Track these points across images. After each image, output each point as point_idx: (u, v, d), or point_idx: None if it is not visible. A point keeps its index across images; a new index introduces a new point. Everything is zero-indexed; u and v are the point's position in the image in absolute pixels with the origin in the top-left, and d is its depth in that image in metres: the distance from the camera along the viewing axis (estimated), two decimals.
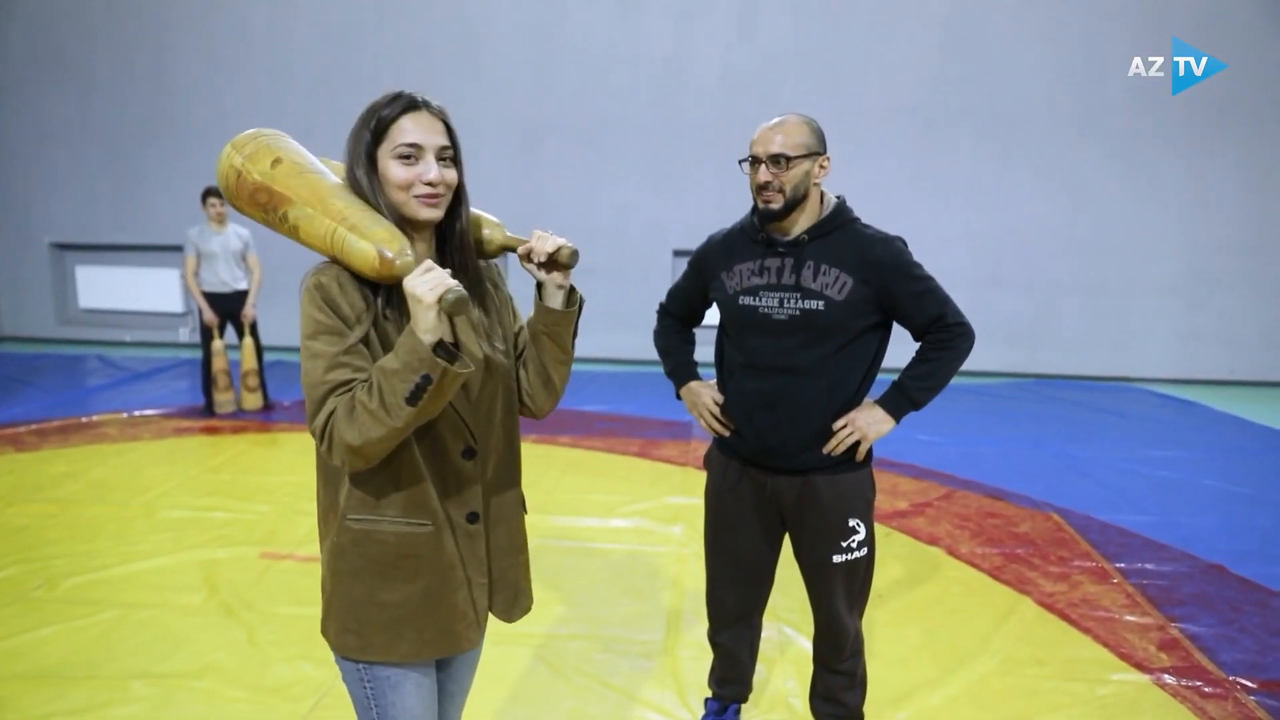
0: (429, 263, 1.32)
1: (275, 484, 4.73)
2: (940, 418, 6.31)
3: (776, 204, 2.04)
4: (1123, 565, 3.72)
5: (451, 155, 1.47)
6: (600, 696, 2.75)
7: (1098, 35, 7.64)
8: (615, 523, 4.24)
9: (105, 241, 9.55)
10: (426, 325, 1.29)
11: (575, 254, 1.52)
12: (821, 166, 2.06)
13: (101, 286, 9.73)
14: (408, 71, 8.57)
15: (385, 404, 1.30)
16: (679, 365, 2.36)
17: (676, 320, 2.42)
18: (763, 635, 3.02)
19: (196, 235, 6.17)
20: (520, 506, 1.69)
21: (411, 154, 1.42)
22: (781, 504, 2.17)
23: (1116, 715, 2.63)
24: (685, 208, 8.28)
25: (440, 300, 1.28)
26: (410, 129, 1.42)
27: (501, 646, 3.04)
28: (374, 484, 1.45)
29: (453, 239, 1.54)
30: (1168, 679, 2.82)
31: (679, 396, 2.34)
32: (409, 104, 1.44)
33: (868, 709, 2.55)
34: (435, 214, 1.45)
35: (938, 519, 4.26)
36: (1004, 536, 4.04)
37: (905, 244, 2.09)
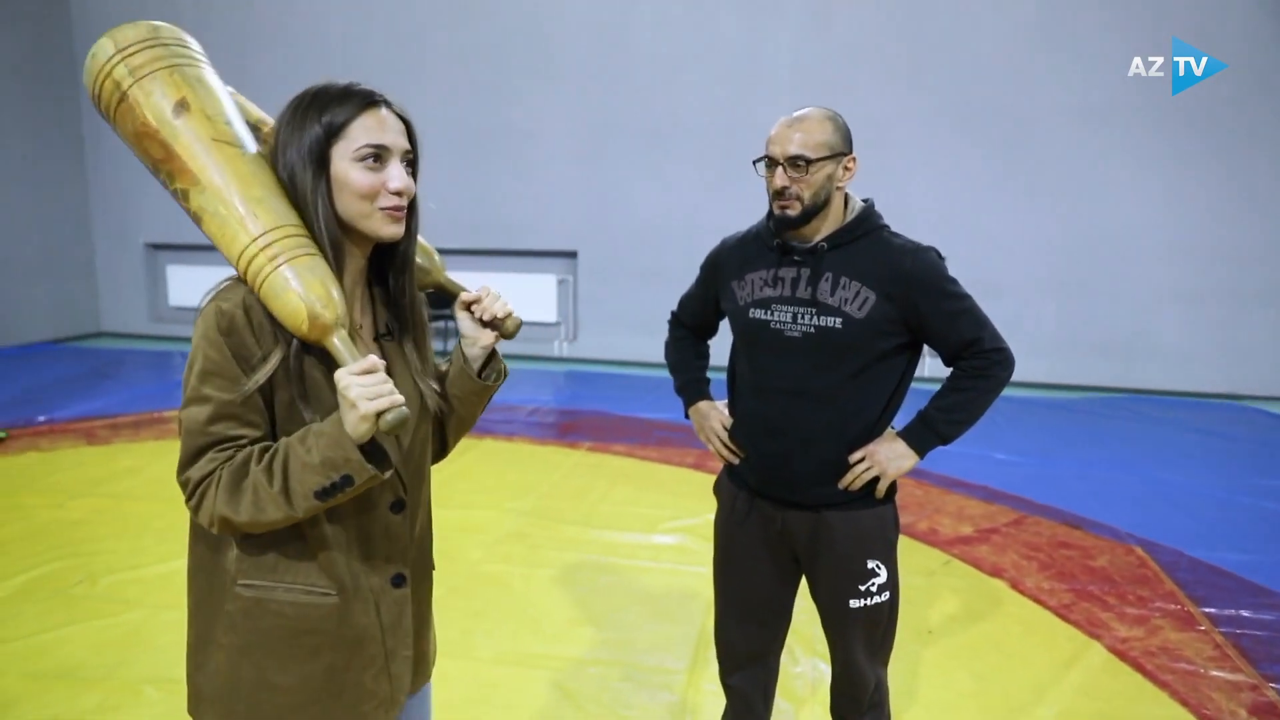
0: (372, 359, 1.12)
1: None
2: (1019, 435, 5.93)
3: (794, 211, 1.83)
4: (1213, 611, 3.34)
5: (412, 160, 1.29)
6: None
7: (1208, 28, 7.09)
8: (657, 539, 4.06)
9: (196, 242, 9.86)
10: (357, 432, 1.11)
11: (520, 326, 1.38)
12: (846, 168, 1.84)
13: (190, 285, 10.02)
14: (476, 72, 8.57)
15: (289, 492, 1.12)
16: (688, 382, 2.17)
17: (688, 331, 2.23)
18: (795, 670, 2.83)
19: None
20: (431, 565, 1.47)
21: (377, 156, 1.22)
22: (794, 541, 1.97)
23: None
24: (757, 208, 8.01)
25: (379, 418, 1.10)
26: (374, 127, 1.23)
27: (519, 668, 2.91)
28: (272, 543, 1.23)
29: (395, 260, 1.32)
30: None
31: (687, 416, 2.16)
32: (369, 99, 1.25)
33: None
34: (398, 230, 1.25)
35: (1004, 547, 3.94)
36: (1077, 570, 3.70)
37: (940, 255, 1.86)
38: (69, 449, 5.47)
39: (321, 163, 1.22)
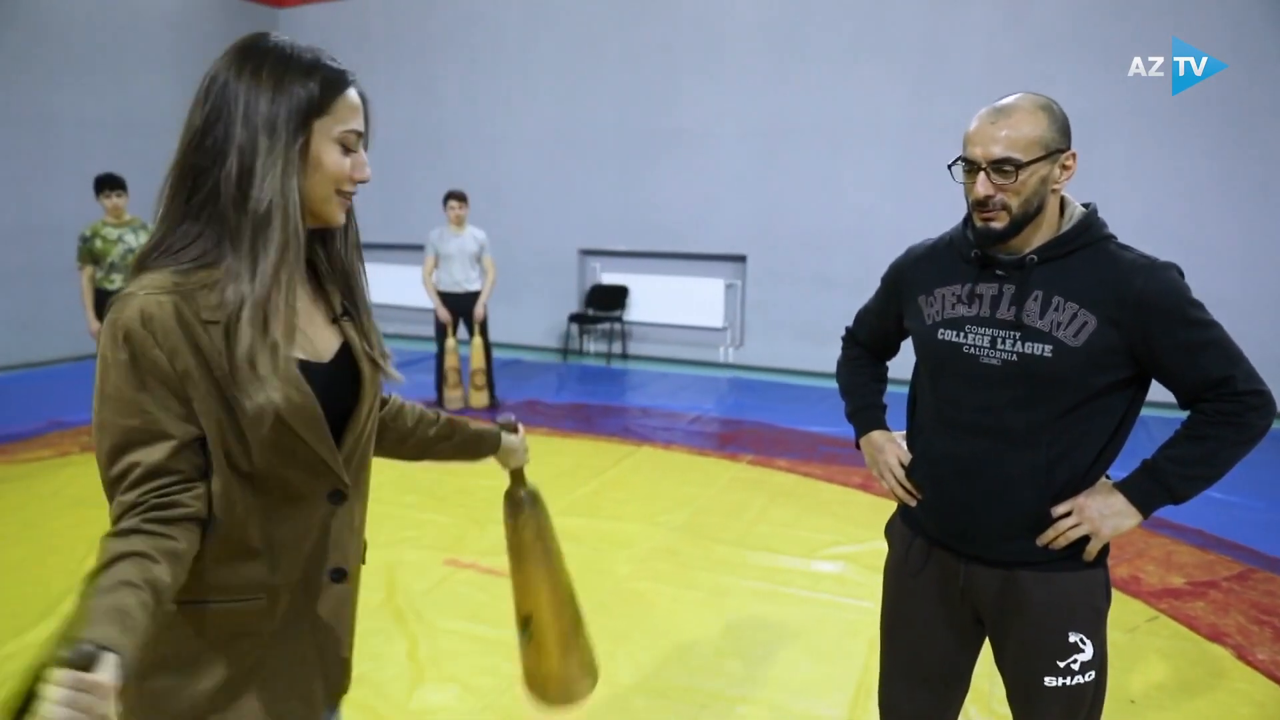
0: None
1: (475, 487, 4.68)
2: (1243, 473, 5.17)
3: (1000, 224, 1.53)
4: None
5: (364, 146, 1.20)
6: None
7: None
8: (817, 566, 3.79)
9: (373, 240, 10.34)
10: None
11: None
12: (1065, 167, 1.54)
13: (370, 281, 10.54)
14: (647, 72, 8.51)
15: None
16: (860, 408, 1.89)
17: (865, 350, 1.95)
18: None
19: (436, 237, 6.43)
20: (363, 560, 1.35)
21: (353, 142, 1.15)
22: (978, 601, 1.67)
23: None
24: (937, 213, 7.50)
25: None
26: (357, 109, 1.15)
27: (661, 699, 2.74)
28: (207, 557, 1.10)
29: (349, 238, 1.26)
30: None
31: (858, 446, 1.89)
32: (349, 78, 1.15)
33: None
34: (343, 218, 1.20)
35: (1226, 607, 3.40)
36: None
37: (1181, 274, 1.52)
38: None
39: (300, 132, 1.08)
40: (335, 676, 1.28)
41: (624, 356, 8.91)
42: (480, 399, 6.54)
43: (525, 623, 1.67)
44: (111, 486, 1.04)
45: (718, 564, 3.78)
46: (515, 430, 1.67)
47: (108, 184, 5.60)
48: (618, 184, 8.81)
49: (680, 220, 8.58)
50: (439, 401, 6.55)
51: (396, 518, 4.23)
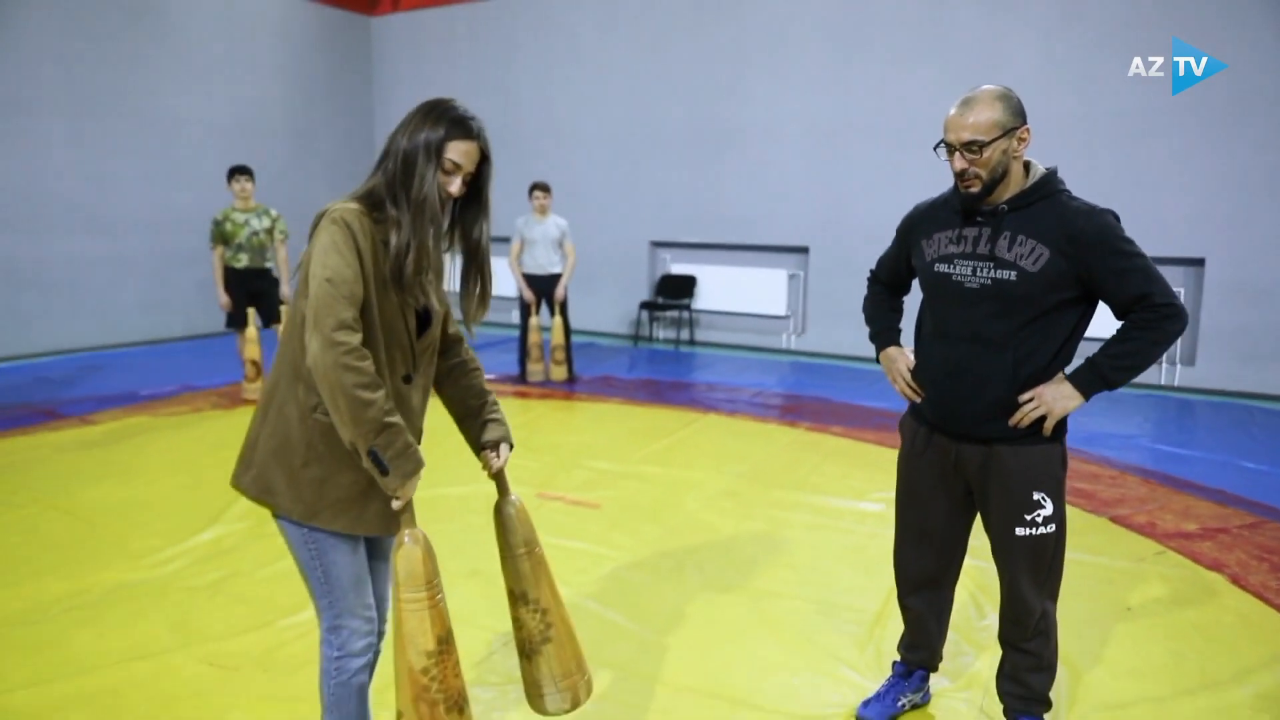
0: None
1: (564, 442, 5.32)
2: (1276, 446, 5.50)
3: (975, 188, 2.05)
4: None
5: (474, 177, 1.88)
6: (800, 650, 2.87)
7: None
8: (864, 505, 4.27)
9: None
10: (389, 485, 1.69)
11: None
12: (1020, 139, 2.03)
13: (451, 271, 11.22)
14: (715, 72, 9.01)
15: (349, 409, 1.63)
16: (880, 330, 2.43)
17: (885, 287, 2.49)
18: (981, 624, 2.98)
19: (523, 224, 7.06)
20: (420, 437, 1.92)
21: (450, 168, 1.79)
22: (967, 472, 2.18)
23: None
24: None
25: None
26: (462, 149, 1.81)
27: (722, 594, 3.27)
28: None
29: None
30: None
31: (878, 360, 2.42)
32: (467, 129, 1.82)
33: (1066, 709, 2.45)
34: None
35: (1231, 547, 3.78)
36: None
37: (1116, 217, 2.01)
38: None
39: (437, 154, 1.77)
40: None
41: (691, 343, 9.45)
42: (560, 373, 7.15)
43: (543, 613, 1.98)
44: (326, 309, 1.63)
45: (775, 503, 4.30)
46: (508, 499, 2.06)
47: (239, 171, 6.35)
48: (687, 179, 9.34)
49: (746, 213, 9.08)
50: (522, 375, 7.18)
51: None
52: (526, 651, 2.01)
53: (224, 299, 6.32)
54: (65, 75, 8.23)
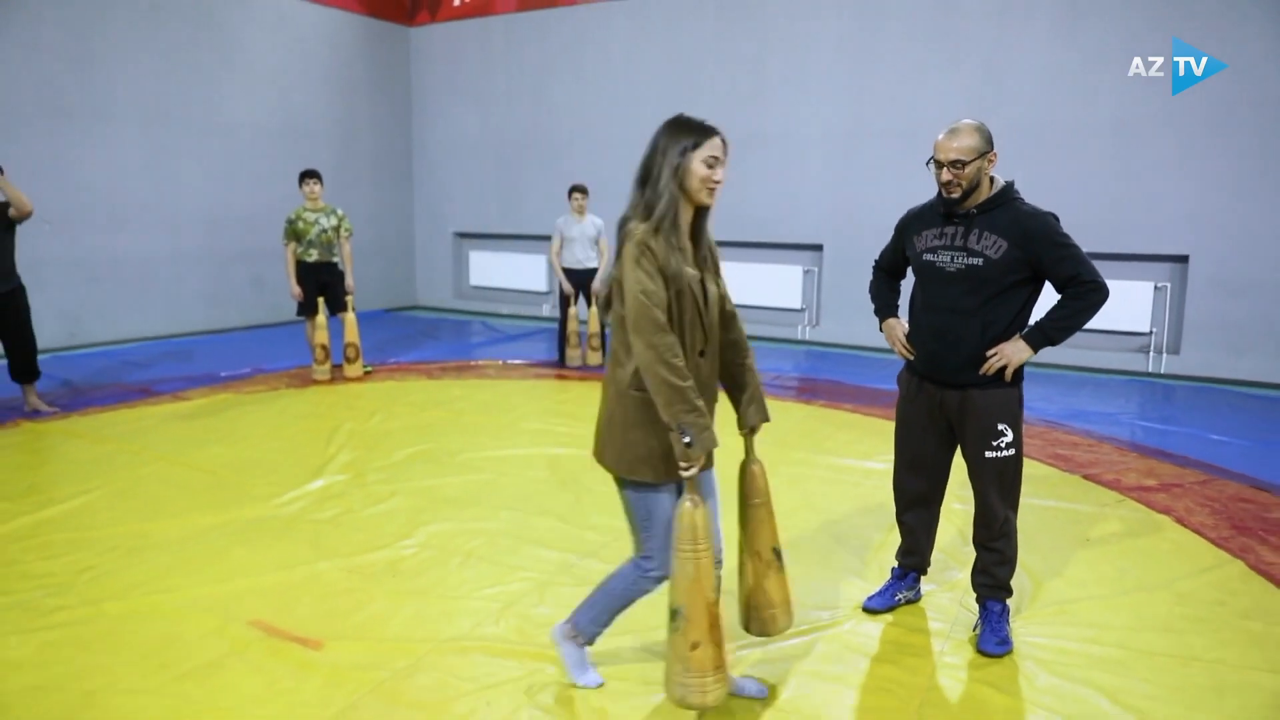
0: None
1: None
2: (1244, 423, 6.14)
3: (956, 194, 2.74)
4: None
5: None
6: (820, 566, 3.57)
7: None
8: (870, 464, 4.96)
9: (492, 231, 11.80)
10: (685, 453, 2.18)
11: None
12: (990, 160, 2.72)
13: (487, 268, 11.90)
14: (739, 81, 9.69)
15: (666, 394, 2.17)
16: (882, 306, 3.13)
17: (885, 272, 3.18)
18: (964, 549, 3.67)
19: (563, 223, 7.76)
20: (715, 396, 2.45)
21: (713, 161, 2.28)
22: (948, 411, 2.87)
23: (1273, 650, 2.94)
24: None
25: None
26: (718, 145, 2.30)
27: None
28: None
29: (705, 217, 2.42)
30: None
31: (881, 329, 3.12)
32: (712, 132, 2.31)
33: (1027, 605, 3.14)
34: (711, 201, 2.33)
35: (1181, 497, 4.45)
36: (1247, 518, 4.16)
37: (1056, 218, 2.70)
38: (414, 380, 7.22)
39: (681, 158, 2.28)
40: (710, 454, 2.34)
41: None
42: (595, 358, 7.85)
43: (777, 553, 2.51)
44: (646, 316, 2.17)
45: (795, 462, 4.99)
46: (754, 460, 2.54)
47: (309, 175, 7.08)
48: None
49: (765, 213, 9.75)
50: (560, 360, 7.89)
51: (550, 431, 5.57)
52: (750, 583, 2.52)
53: (296, 290, 7.05)
54: (139, 85, 8.99)
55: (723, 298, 2.47)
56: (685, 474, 2.22)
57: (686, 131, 2.28)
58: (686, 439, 2.17)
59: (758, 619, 2.56)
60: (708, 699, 2.27)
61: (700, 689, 2.26)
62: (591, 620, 2.60)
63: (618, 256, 2.30)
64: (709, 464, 2.34)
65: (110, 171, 8.84)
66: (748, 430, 2.55)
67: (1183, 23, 7.59)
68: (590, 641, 2.65)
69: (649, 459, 2.31)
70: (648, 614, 2.79)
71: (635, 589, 2.50)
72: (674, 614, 2.28)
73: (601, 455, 2.43)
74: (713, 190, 2.31)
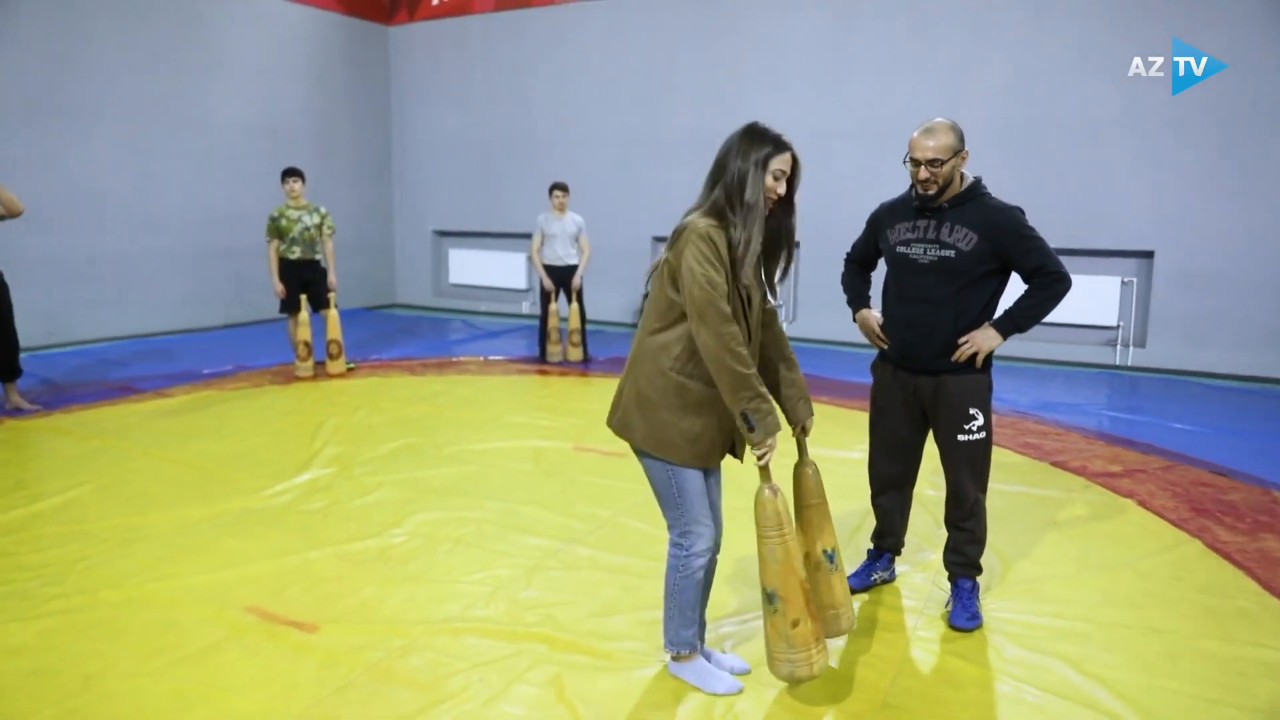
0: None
1: (588, 409, 6.12)
2: (1206, 412, 6.34)
3: (932, 190, 2.86)
4: None
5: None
6: None
7: None
8: (846, 454, 5.08)
9: (471, 229, 11.85)
10: (752, 439, 2.31)
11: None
12: (962, 158, 2.85)
13: (467, 266, 11.93)
14: (715, 82, 9.81)
15: (731, 382, 2.25)
16: (855, 297, 3.25)
17: (857, 264, 3.29)
18: (937, 532, 3.80)
19: (543, 220, 7.84)
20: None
21: (778, 174, 2.34)
22: (921, 397, 3.00)
23: (1226, 620, 3.09)
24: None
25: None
26: (786, 159, 2.36)
27: (736, 512, 4.07)
28: (695, 360, 2.35)
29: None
30: None
31: (854, 319, 3.23)
32: (783, 145, 2.37)
33: (997, 584, 3.28)
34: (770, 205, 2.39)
35: (1145, 481, 4.62)
36: (1207, 501, 4.33)
37: (1023, 213, 2.83)
38: (397, 376, 7.28)
39: (761, 167, 2.35)
40: (729, 446, 2.51)
41: None
42: (576, 354, 7.94)
43: (830, 555, 2.59)
44: (711, 307, 2.23)
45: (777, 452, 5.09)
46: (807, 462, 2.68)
47: (291, 173, 7.12)
48: (687, 179, 10.00)
49: None
50: (542, 355, 7.97)
51: (533, 425, 5.66)
52: (811, 583, 2.55)
53: (279, 287, 7.08)
54: (120, 83, 8.96)
55: (764, 297, 2.53)
56: (760, 463, 2.34)
57: (764, 140, 2.34)
58: (750, 425, 2.26)
59: (821, 619, 2.56)
60: (815, 669, 2.42)
61: (807, 662, 2.40)
62: (678, 627, 2.60)
63: (673, 242, 2.36)
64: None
65: (91, 169, 8.80)
66: (799, 430, 2.67)
67: (1148, 26, 7.80)
68: (696, 649, 2.66)
69: (677, 442, 2.39)
70: (638, 596, 2.88)
71: (689, 573, 2.53)
72: (770, 597, 2.40)
73: (626, 429, 2.47)
74: (771, 201, 2.38)
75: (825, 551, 2.61)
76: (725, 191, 2.34)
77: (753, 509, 2.43)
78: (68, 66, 8.52)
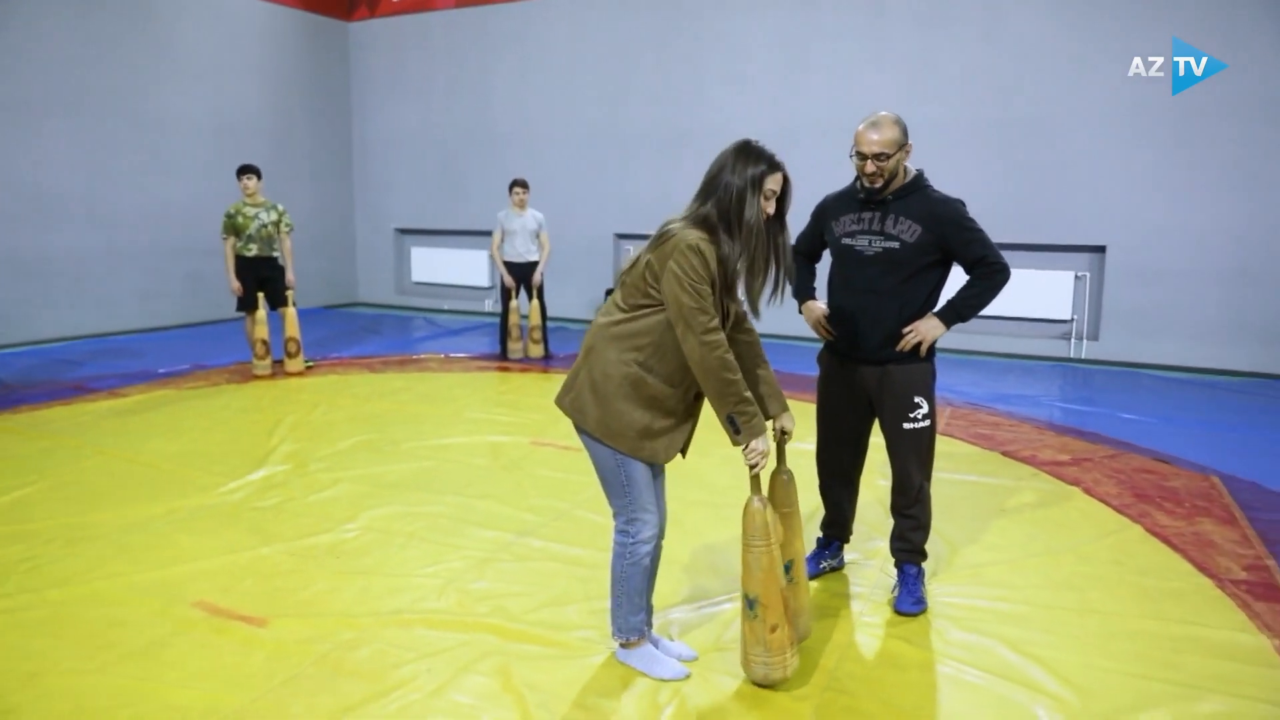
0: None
1: (547, 405, 6.09)
2: (1155, 403, 6.48)
3: (878, 184, 2.91)
4: (1262, 516, 4.00)
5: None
6: None
7: None
8: (798, 446, 5.13)
9: (433, 227, 11.79)
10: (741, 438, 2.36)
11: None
12: (907, 151, 2.90)
13: (428, 264, 11.86)
14: (676, 80, 9.84)
15: (717, 387, 2.31)
16: (800, 288, 3.28)
17: (803, 256, 3.32)
18: (887, 522, 3.86)
19: (503, 217, 7.83)
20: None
21: (769, 194, 2.41)
22: (867, 387, 3.05)
23: (1161, 600, 3.18)
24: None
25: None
26: (777, 179, 2.44)
27: (689, 505, 4.12)
28: (658, 356, 2.38)
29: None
30: (1230, 585, 3.29)
31: (800, 311, 3.28)
32: (776, 165, 2.45)
33: (943, 570, 3.35)
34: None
35: (1091, 469, 4.73)
36: (1149, 487, 4.44)
37: (964, 204, 2.89)
38: (357, 374, 7.24)
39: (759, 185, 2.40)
40: (686, 444, 2.55)
41: None
42: (536, 350, 7.94)
43: (787, 567, 2.58)
44: (698, 316, 2.27)
45: (726, 443, 5.13)
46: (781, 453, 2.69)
47: (246, 170, 7.05)
48: (649, 176, 10.16)
49: None
50: (502, 352, 7.96)
51: (492, 420, 5.66)
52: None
53: (235, 285, 7.01)
54: (67, 77, 8.80)
55: (744, 313, 2.59)
56: (753, 471, 2.41)
57: (758, 159, 2.40)
58: (736, 428, 2.32)
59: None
60: (788, 672, 2.52)
61: (782, 665, 2.49)
62: (626, 614, 2.63)
63: (655, 244, 2.37)
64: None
65: (38, 165, 8.64)
66: (780, 434, 2.68)
67: (1109, 23, 7.95)
68: (644, 636, 2.68)
69: (629, 434, 2.41)
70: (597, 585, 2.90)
71: (635, 560, 2.55)
72: (751, 603, 2.46)
73: (579, 412, 2.48)
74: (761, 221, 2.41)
75: (784, 564, 2.60)
76: (718, 208, 2.37)
77: (741, 517, 2.50)
78: (10, 58, 8.34)
